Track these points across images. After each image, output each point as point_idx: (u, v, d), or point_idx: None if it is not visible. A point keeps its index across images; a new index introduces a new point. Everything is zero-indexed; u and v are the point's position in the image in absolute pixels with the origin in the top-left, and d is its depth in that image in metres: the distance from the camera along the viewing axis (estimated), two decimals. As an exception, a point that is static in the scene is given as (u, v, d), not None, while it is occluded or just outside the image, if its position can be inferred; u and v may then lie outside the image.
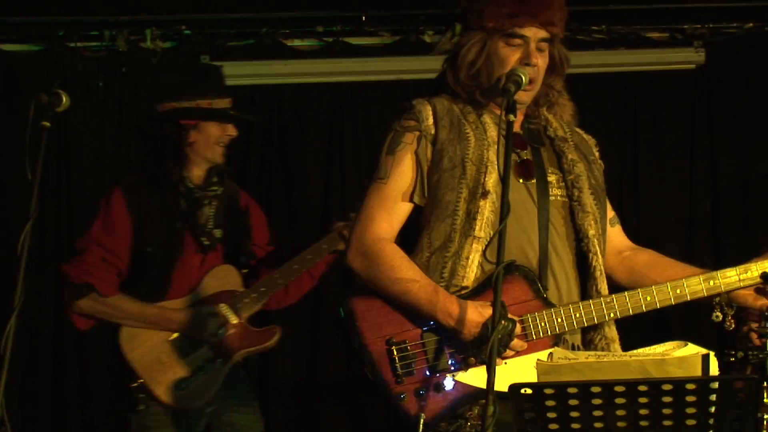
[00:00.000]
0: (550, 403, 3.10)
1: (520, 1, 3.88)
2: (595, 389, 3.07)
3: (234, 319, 5.21)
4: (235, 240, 5.42)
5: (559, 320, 3.75)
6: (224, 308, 5.21)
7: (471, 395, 3.72)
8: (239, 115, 5.48)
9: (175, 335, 5.21)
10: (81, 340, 6.53)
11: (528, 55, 3.88)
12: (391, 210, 3.92)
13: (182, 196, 5.30)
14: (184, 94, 5.34)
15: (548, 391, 3.09)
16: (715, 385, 3.08)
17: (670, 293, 3.80)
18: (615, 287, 4.01)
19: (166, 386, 5.14)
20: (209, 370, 5.18)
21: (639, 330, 4.07)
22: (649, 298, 3.80)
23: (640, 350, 3.40)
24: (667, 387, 3.07)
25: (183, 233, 5.28)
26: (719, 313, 3.86)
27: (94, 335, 5.88)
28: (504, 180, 3.47)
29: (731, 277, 3.83)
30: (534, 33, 3.89)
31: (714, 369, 3.23)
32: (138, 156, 6.19)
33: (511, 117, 3.58)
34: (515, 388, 3.10)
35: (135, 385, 5.16)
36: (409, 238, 3.96)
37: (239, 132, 5.49)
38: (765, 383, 5.18)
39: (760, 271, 3.81)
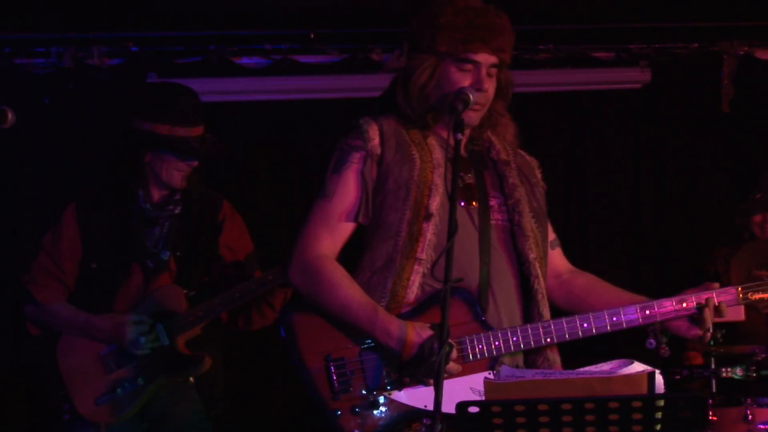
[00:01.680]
0: (497, 420, 3.10)
1: (473, 27, 3.89)
2: (543, 407, 3.08)
3: (165, 341, 5.14)
4: (194, 260, 5.33)
5: (497, 343, 3.77)
6: (158, 328, 5.14)
7: (406, 414, 3.74)
8: (190, 146, 5.24)
9: (107, 350, 5.15)
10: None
11: (479, 80, 3.89)
12: (334, 228, 3.92)
13: (133, 215, 5.24)
14: (145, 116, 5.23)
15: (495, 408, 3.10)
16: (661, 402, 3.10)
17: (607, 321, 3.83)
18: (555, 309, 4.03)
19: (86, 398, 5.11)
20: (129, 389, 5.11)
21: (585, 348, 4.09)
22: (585, 325, 3.83)
23: (587, 368, 3.41)
24: (613, 404, 3.08)
25: (131, 254, 5.22)
26: (652, 341, 3.91)
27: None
28: (451, 198, 3.47)
29: (667, 307, 3.86)
30: (485, 59, 3.91)
31: (659, 387, 3.24)
32: (97, 169, 6.13)
33: (459, 136, 3.59)
34: (462, 406, 3.10)
35: (61, 394, 5.14)
36: (351, 257, 3.96)
37: (202, 162, 5.35)
38: (710, 401, 5.26)
39: (696, 302, 3.84)
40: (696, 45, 7.02)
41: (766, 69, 7.03)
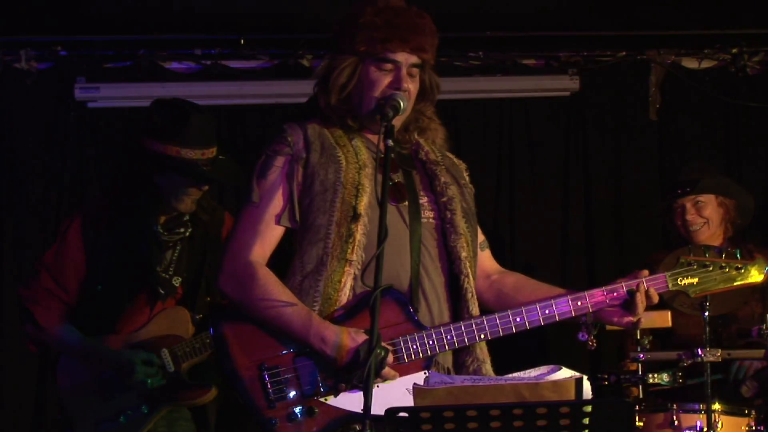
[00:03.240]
0: (426, 426, 3.10)
1: (392, 27, 3.90)
2: (471, 413, 3.08)
3: (170, 368, 5.01)
4: (198, 282, 5.15)
5: (431, 342, 3.77)
6: (165, 354, 5.01)
7: (342, 419, 3.72)
8: (198, 170, 5.03)
9: (108, 373, 4.99)
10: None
11: (399, 79, 3.90)
12: (263, 234, 3.89)
13: (145, 239, 5.03)
14: (155, 135, 4.98)
15: (424, 414, 3.10)
16: (588, 408, 3.12)
17: (539, 313, 3.85)
18: (485, 310, 4.04)
19: (86, 424, 4.98)
20: (132, 417, 4.97)
21: (515, 353, 4.11)
22: (518, 319, 3.84)
23: (515, 374, 3.43)
24: (541, 410, 3.09)
25: (139, 278, 5.03)
26: (585, 333, 3.94)
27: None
28: (381, 204, 3.47)
29: (598, 296, 3.89)
30: (405, 58, 3.91)
31: (587, 393, 3.26)
32: (109, 181, 5.87)
33: (390, 142, 3.60)
34: (392, 412, 3.10)
35: (60, 418, 5.04)
36: (281, 262, 3.94)
37: (210, 186, 5.18)
38: (637, 406, 5.31)
39: (627, 288, 3.88)
40: (624, 53, 7.09)
41: (693, 78, 7.12)
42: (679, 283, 3.93)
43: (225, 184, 5.16)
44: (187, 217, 5.15)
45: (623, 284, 3.91)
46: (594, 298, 3.89)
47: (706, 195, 5.90)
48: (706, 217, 5.87)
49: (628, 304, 3.90)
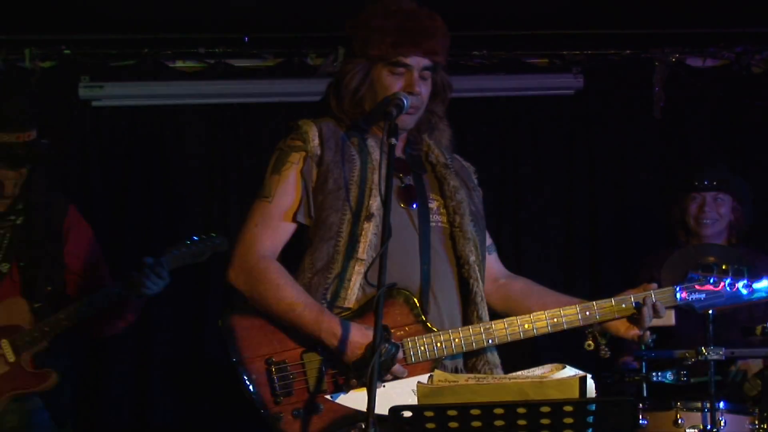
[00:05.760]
0: (430, 425, 3.10)
1: (404, 31, 3.90)
2: (475, 412, 3.09)
3: (10, 357, 5.01)
4: (36, 270, 5.16)
5: (439, 345, 3.78)
6: (5, 344, 5.01)
7: (349, 417, 3.73)
8: (7, 153, 5.09)
9: None
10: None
11: (411, 83, 3.90)
12: (275, 229, 3.90)
13: None
14: None
15: (428, 413, 3.10)
16: (593, 406, 3.12)
17: (547, 322, 3.86)
18: (493, 314, 4.05)
19: None
20: None
21: (519, 352, 4.11)
22: (527, 326, 3.85)
23: (519, 373, 3.43)
24: (545, 409, 3.09)
25: None
26: (591, 342, 3.95)
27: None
28: (385, 203, 3.48)
29: (606, 308, 3.90)
30: (417, 62, 3.92)
31: (591, 391, 3.26)
32: None
33: (393, 140, 3.60)
34: (395, 410, 3.10)
35: None
36: (291, 258, 3.95)
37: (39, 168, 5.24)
38: (640, 405, 5.31)
39: (635, 302, 3.89)
40: (628, 52, 7.08)
41: (697, 76, 7.11)
42: (686, 297, 3.94)
43: (40, 164, 5.24)
44: (20, 206, 5.20)
45: (631, 296, 3.91)
46: (602, 308, 3.90)
47: (726, 194, 6.03)
48: (721, 214, 5.99)
49: (634, 317, 3.91)
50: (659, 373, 5.32)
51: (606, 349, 3.95)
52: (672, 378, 5.31)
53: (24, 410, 5.08)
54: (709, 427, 5.08)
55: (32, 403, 5.10)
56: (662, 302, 3.90)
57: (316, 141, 3.94)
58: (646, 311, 3.88)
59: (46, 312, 5.08)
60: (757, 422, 5.19)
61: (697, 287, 3.94)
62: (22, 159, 5.12)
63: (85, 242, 5.36)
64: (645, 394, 5.34)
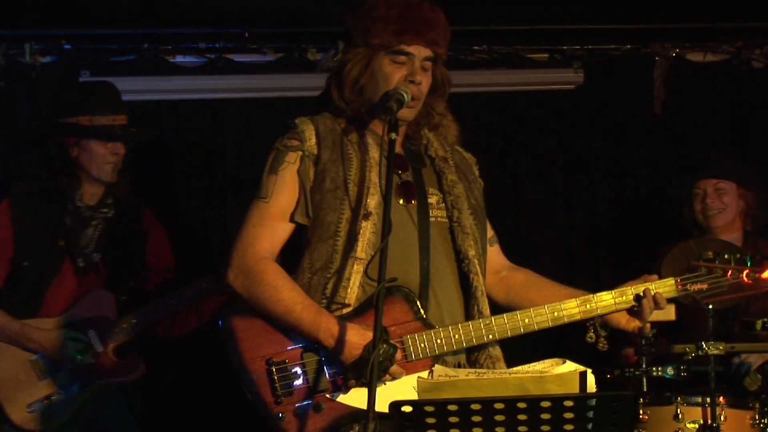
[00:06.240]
0: (431, 420, 3.11)
1: (407, 20, 3.91)
2: (475, 406, 3.09)
3: (98, 347, 5.12)
4: (122, 265, 5.32)
5: (439, 341, 3.78)
6: (92, 334, 5.11)
7: (350, 415, 3.73)
8: (113, 131, 5.32)
9: (37, 355, 5.10)
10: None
11: (412, 72, 3.91)
12: (273, 229, 3.90)
13: (69, 214, 5.24)
14: (67, 112, 5.29)
15: (428, 408, 3.10)
16: (593, 401, 3.12)
17: (548, 316, 3.86)
18: (495, 306, 4.05)
19: (17, 406, 5.04)
20: (63, 395, 5.07)
21: (520, 346, 4.11)
22: (527, 321, 3.85)
23: (520, 367, 3.43)
24: (545, 404, 3.10)
25: (63, 252, 5.19)
26: (593, 334, 3.95)
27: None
28: (386, 197, 3.48)
29: (607, 300, 3.91)
30: (419, 51, 3.92)
31: (591, 386, 3.27)
32: (31, 168, 6.06)
33: (393, 135, 3.60)
34: (396, 405, 3.11)
35: None
36: (290, 258, 3.94)
37: (129, 150, 5.41)
38: (641, 400, 5.31)
39: (635, 294, 3.89)
40: (628, 47, 7.08)
41: (698, 71, 7.11)
42: (688, 288, 3.94)
43: (137, 141, 5.38)
44: (110, 200, 5.34)
45: (631, 289, 3.92)
46: (603, 301, 3.91)
47: (728, 182, 6.01)
48: (726, 203, 5.96)
49: (635, 309, 3.91)
50: (659, 368, 5.31)
51: (605, 341, 3.95)
52: (672, 373, 5.31)
53: (104, 398, 5.19)
54: (709, 422, 5.08)
55: (111, 395, 5.24)
56: (663, 294, 3.90)
57: (313, 140, 3.94)
58: (647, 303, 3.88)
59: (130, 306, 5.23)
60: (757, 417, 5.19)
61: (698, 278, 3.94)
62: (119, 137, 5.32)
63: (163, 243, 5.55)
64: (645, 389, 5.34)
